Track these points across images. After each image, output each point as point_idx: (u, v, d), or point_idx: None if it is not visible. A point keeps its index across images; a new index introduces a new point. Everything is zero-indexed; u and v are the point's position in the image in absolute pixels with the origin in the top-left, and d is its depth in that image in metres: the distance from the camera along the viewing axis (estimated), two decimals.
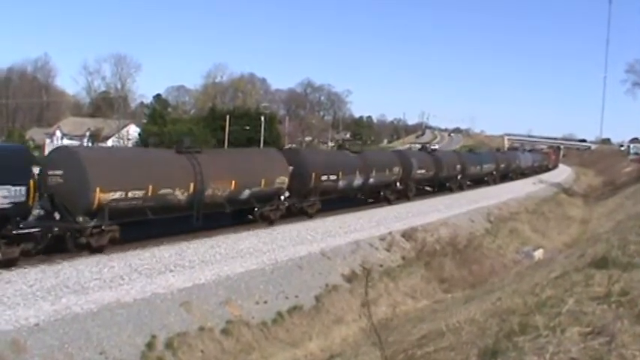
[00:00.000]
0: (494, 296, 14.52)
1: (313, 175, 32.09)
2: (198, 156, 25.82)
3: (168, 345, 16.28)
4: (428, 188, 49.95)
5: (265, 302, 20.35)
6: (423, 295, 25.65)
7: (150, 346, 15.94)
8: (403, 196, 43.61)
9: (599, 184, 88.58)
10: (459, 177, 54.83)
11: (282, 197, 30.53)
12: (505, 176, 71.27)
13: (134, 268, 19.96)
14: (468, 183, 58.67)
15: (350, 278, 24.40)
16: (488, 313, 10.73)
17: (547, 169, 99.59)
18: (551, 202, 58.82)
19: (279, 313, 20.20)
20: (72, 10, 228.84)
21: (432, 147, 74.86)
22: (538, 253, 32.97)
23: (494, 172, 66.55)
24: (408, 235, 31.14)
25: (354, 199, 39.23)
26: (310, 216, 32.39)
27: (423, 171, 46.47)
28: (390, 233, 30.24)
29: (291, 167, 30.53)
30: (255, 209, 28.96)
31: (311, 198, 32.71)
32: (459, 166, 54.44)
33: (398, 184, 42.64)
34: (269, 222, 29.43)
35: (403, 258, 28.52)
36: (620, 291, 8.49)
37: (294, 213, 31.85)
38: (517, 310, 9.32)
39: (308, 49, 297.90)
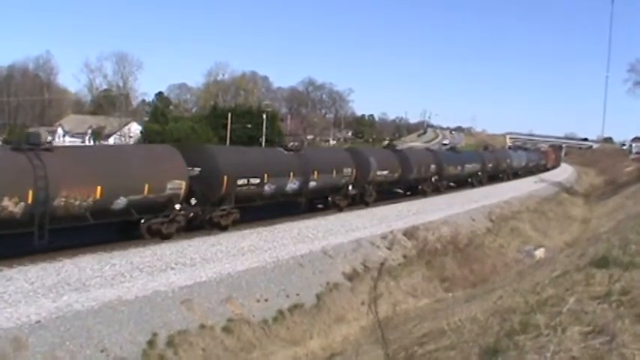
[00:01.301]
0: (495, 295, 14.53)
1: (225, 178, 26.48)
2: (44, 154, 20.01)
3: (170, 343, 16.28)
4: (399, 191, 45.73)
5: (266, 300, 20.34)
6: (424, 293, 25.65)
7: (151, 343, 15.94)
8: (360, 202, 38.32)
9: (601, 184, 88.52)
10: (433, 179, 49.07)
11: (179, 206, 24.80)
12: (494, 177, 66.56)
13: (135, 266, 19.98)
14: (452, 185, 54.80)
15: (351, 277, 24.39)
16: (490, 312, 10.74)
17: (545, 169, 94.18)
18: (552, 201, 58.78)
19: (280, 312, 20.20)
20: (74, 7, 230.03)
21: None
22: (539, 252, 32.95)
23: (480, 173, 61.57)
24: (409, 233, 31.11)
25: (293, 207, 33.16)
26: (224, 228, 27.00)
27: (385, 172, 40.58)
28: (391, 232, 30.22)
29: (196, 168, 25.84)
30: (142, 221, 23.53)
31: (225, 206, 27.13)
32: (433, 167, 48.57)
33: (350, 187, 36.67)
34: (162, 237, 24.13)
35: (404, 256, 28.50)
36: (621, 290, 8.50)
37: (200, 225, 26.64)
38: (518, 309, 9.33)
39: (310, 47, 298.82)
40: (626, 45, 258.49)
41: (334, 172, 34.73)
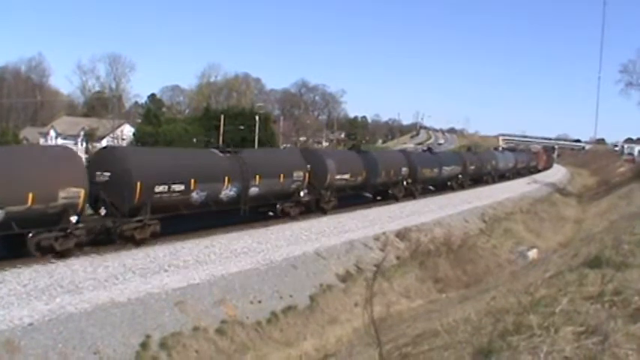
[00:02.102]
0: (488, 296, 14.56)
1: (139, 184, 22.83)
2: None
3: (163, 345, 16.25)
4: (368, 195, 41.91)
5: (260, 302, 20.33)
6: (417, 294, 25.68)
7: (144, 345, 15.91)
8: (316, 209, 34.40)
9: (594, 184, 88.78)
10: (405, 182, 44.74)
11: (75, 218, 20.98)
12: (478, 180, 62.68)
13: (128, 268, 19.94)
14: (431, 188, 51.42)
15: (344, 278, 24.40)
16: (483, 312, 10.76)
17: (536, 171, 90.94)
18: (545, 202, 58.91)
19: (274, 313, 20.18)
20: (66, 9, 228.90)
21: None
22: (532, 253, 33.05)
23: (461, 176, 57.28)
24: (402, 235, 31.13)
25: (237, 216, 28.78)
26: (139, 243, 23.27)
27: (346, 176, 36.56)
28: (384, 233, 30.24)
29: (106, 173, 22.89)
30: (30, 236, 20.06)
31: (140, 217, 23.46)
32: (405, 169, 44.22)
33: (302, 193, 32.80)
34: (57, 254, 20.61)
35: (397, 258, 28.52)
36: (614, 290, 8.52)
37: (110, 240, 23.11)
38: (511, 309, 9.35)
39: (303, 49, 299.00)
40: (619, 46, 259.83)
41: (281, 176, 30.61)
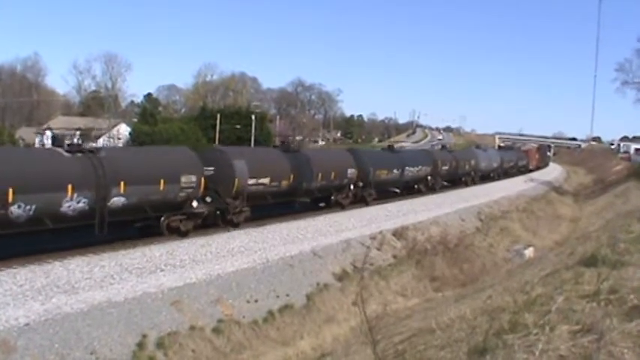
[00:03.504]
0: (484, 294, 14.59)
1: None
2: None
3: (159, 344, 16.26)
4: (307, 200, 35.41)
5: (256, 301, 20.34)
6: (413, 293, 25.68)
7: (141, 345, 15.91)
8: (223, 223, 28.03)
9: (590, 183, 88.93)
10: (353, 186, 38.16)
11: None
12: (457, 181, 57.64)
13: (125, 268, 19.92)
14: (397, 191, 46.05)
15: (341, 277, 24.42)
16: (479, 311, 10.77)
17: (527, 171, 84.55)
18: (541, 200, 58.95)
19: (271, 312, 20.20)
20: (62, 8, 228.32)
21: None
22: (528, 252, 33.06)
23: (430, 177, 50.17)
24: (398, 233, 31.15)
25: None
26: None
27: (264, 180, 29.76)
28: (380, 232, 30.25)
29: None
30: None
31: None
32: (352, 171, 37.35)
33: (196, 203, 26.05)
34: None
35: (394, 257, 28.54)
36: (609, 289, 8.54)
37: None
38: (507, 308, 9.36)
39: (299, 48, 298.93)
40: (615, 44, 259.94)
41: (162, 182, 23.92)
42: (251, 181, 28.73)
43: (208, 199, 26.96)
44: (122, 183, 22.15)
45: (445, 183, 54.46)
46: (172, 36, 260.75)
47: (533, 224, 46.73)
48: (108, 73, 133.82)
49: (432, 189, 50.23)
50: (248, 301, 20.13)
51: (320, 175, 34.14)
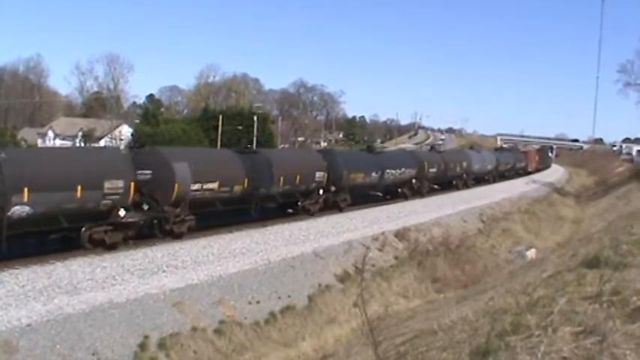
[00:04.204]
0: (486, 296, 14.55)
1: None
2: None
3: (161, 345, 16.26)
4: (271, 205, 31.79)
5: (258, 302, 20.34)
6: (415, 294, 25.67)
7: (142, 346, 15.92)
8: (161, 233, 24.78)
9: (592, 184, 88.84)
10: (322, 191, 34.50)
11: None
12: (447, 184, 53.78)
13: (126, 269, 19.93)
14: (378, 194, 42.28)
15: (343, 278, 24.40)
16: (481, 312, 10.75)
17: (526, 173, 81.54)
18: (543, 202, 58.93)
19: (272, 313, 20.20)
20: (64, 10, 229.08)
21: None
22: (530, 253, 33.01)
23: (415, 180, 45.92)
24: (400, 235, 31.15)
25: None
26: None
27: (211, 185, 26.21)
28: (382, 233, 30.24)
29: None
30: None
31: None
32: (320, 174, 33.82)
33: (123, 212, 22.49)
34: None
35: (396, 258, 28.53)
36: (612, 290, 8.51)
37: None
38: (509, 309, 9.34)
39: (301, 49, 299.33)
40: (617, 46, 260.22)
41: (79, 188, 20.67)
42: (195, 186, 25.37)
43: (145, 207, 23.79)
44: (26, 190, 19.04)
45: (436, 186, 51.24)
46: (174, 37, 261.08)
47: (535, 226, 46.72)
48: (110, 74, 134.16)
49: (418, 193, 46.50)
50: (250, 302, 20.14)
51: (282, 179, 30.67)
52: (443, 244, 31.37)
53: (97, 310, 16.33)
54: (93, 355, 14.86)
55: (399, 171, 43.18)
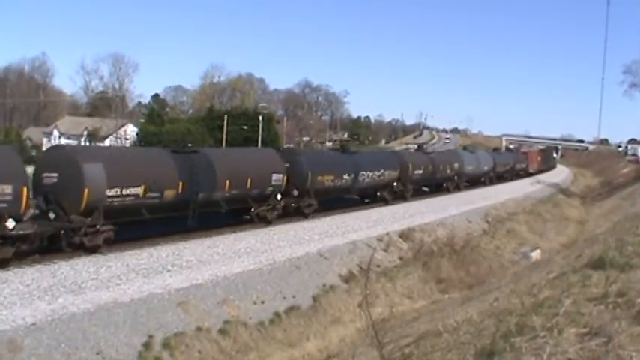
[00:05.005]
0: (491, 297, 14.54)
1: None
2: None
3: (166, 345, 16.26)
4: (222, 211, 27.66)
5: (263, 302, 20.33)
6: (420, 295, 25.65)
7: (147, 345, 15.92)
8: (75, 247, 21.41)
9: (597, 185, 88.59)
10: (280, 196, 30.53)
11: None
12: (435, 187, 51.15)
13: (131, 268, 19.95)
14: (356, 198, 40.25)
15: (347, 278, 24.38)
16: (486, 313, 10.74)
17: (527, 175, 78.38)
18: (548, 202, 58.79)
19: (277, 313, 20.18)
20: (70, 9, 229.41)
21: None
22: (535, 254, 33.02)
23: (396, 184, 42.45)
24: (405, 235, 31.12)
25: None
26: None
27: (135, 190, 22.46)
28: (387, 234, 30.22)
29: None
30: None
31: None
32: (278, 177, 30.03)
33: (12, 223, 19.07)
34: None
35: (401, 258, 28.51)
36: (617, 292, 8.48)
37: None
38: (514, 310, 9.31)
39: (306, 49, 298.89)
40: (622, 46, 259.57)
41: None
42: (112, 192, 21.63)
43: (52, 216, 20.79)
44: None
45: (426, 189, 49.10)
46: (179, 37, 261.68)
47: (540, 226, 46.60)
48: (115, 73, 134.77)
49: (401, 197, 43.13)
50: (254, 302, 20.13)
51: (228, 182, 26.78)
52: (448, 244, 31.33)
53: (101, 309, 16.34)
54: (97, 354, 14.87)
55: (377, 173, 39.66)
